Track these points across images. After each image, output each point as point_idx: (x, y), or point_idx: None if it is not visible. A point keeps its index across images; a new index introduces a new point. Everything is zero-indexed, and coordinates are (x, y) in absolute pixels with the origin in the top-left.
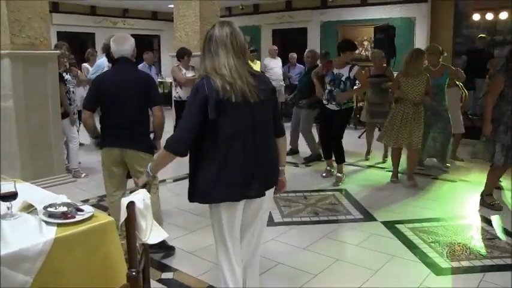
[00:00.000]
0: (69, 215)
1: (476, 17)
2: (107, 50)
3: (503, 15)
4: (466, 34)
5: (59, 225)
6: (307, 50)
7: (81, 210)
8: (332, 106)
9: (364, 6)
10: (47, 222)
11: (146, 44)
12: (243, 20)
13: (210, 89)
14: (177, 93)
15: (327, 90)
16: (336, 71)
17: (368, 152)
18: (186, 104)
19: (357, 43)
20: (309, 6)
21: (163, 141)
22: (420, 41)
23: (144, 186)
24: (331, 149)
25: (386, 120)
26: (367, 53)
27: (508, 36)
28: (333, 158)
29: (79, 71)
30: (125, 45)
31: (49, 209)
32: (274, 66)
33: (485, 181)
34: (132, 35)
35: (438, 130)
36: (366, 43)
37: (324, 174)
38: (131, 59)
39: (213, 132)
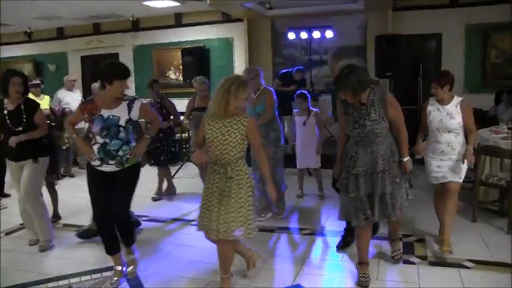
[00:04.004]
0: None
1: (291, 35)
2: None
3: (316, 34)
4: (285, 54)
5: None
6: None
7: None
8: (109, 167)
9: (178, 28)
10: None
11: None
12: (47, 47)
13: None
14: None
15: (97, 146)
16: (105, 113)
17: None
18: None
19: (172, 67)
20: (120, 29)
21: None
22: (240, 61)
23: None
24: (115, 239)
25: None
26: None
27: (324, 56)
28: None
29: None
30: None
31: None
32: (71, 101)
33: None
34: None
35: None
36: (182, 67)
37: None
38: None
39: None
